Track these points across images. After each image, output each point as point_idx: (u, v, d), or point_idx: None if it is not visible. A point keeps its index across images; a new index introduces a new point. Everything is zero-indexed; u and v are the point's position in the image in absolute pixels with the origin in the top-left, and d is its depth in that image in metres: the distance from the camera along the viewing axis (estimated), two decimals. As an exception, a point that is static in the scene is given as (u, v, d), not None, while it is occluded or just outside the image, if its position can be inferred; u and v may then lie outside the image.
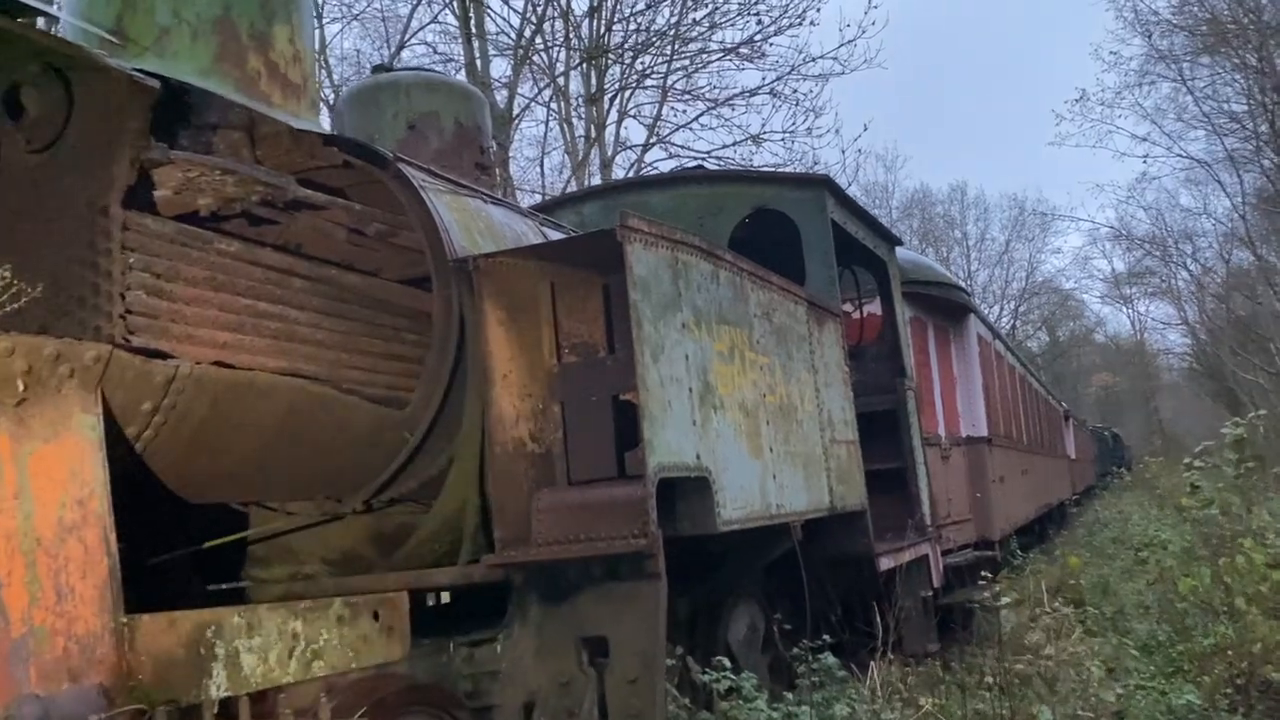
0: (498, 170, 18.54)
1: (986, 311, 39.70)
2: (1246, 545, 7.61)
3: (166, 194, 3.52)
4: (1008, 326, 49.52)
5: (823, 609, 6.32)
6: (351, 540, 4.64)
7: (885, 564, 6.48)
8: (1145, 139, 25.14)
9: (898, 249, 9.28)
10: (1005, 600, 5.27)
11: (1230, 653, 7.27)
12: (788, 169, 18.07)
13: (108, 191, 3.17)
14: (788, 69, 20.57)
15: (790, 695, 4.78)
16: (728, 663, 4.47)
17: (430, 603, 6.15)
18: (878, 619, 5.62)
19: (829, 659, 5.06)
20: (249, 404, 3.34)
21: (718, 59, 21.44)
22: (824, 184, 6.73)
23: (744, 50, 20.92)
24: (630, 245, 3.77)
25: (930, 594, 7.64)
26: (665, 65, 21.39)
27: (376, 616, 2.67)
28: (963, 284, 12.15)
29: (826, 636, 5.29)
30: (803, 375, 5.64)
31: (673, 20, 20.66)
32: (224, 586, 4.50)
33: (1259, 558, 7.42)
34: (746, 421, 4.68)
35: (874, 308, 9.04)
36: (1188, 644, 7.67)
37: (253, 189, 3.62)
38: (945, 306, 10.33)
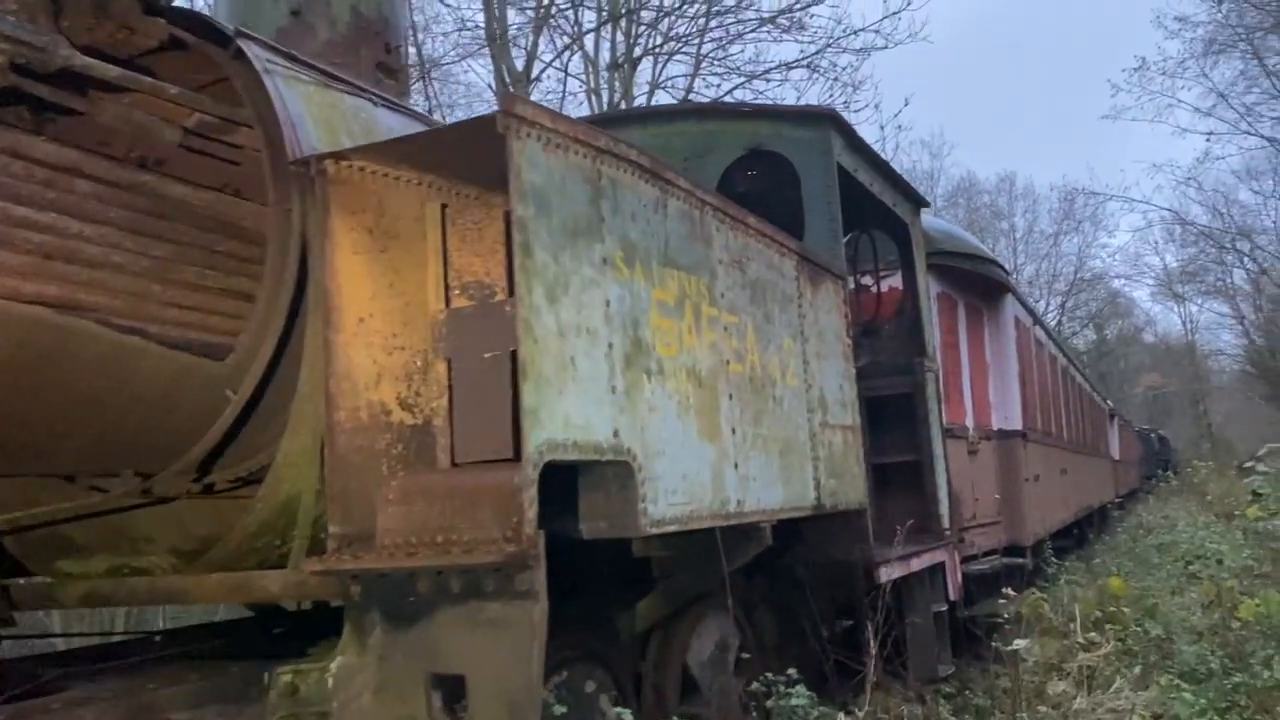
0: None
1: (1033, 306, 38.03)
2: (1324, 566, 6.47)
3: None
4: (1054, 322, 47.72)
5: (809, 626, 5.30)
6: (221, 525, 3.69)
7: (887, 574, 5.42)
8: (1209, 114, 23.45)
9: (925, 214, 8.17)
10: (1022, 643, 4.21)
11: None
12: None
13: None
14: (826, 42, 19.40)
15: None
16: (626, 717, 3.44)
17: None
18: (871, 640, 4.58)
19: (799, 697, 4.03)
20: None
21: (754, 29, 20.30)
22: (829, 120, 5.65)
23: (782, 20, 19.78)
24: (518, 141, 2.76)
25: (945, 608, 6.57)
26: (699, 35, 20.31)
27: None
28: (1000, 260, 10.98)
29: (792, 671, 4.25)
30: (786, 343, 4.59)
31: (707, -13, 19.55)
32: (21, 581, 3.57)
33: (1339, 582, 6.27)
34: (698, 393, 3.66)
35: (896, 281, 7.94)
36: (1247, 676, 6.58)
37: (-7, 48, 2.64)
38: (979, 283, 9.19)
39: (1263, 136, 22.66)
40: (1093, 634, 4.56)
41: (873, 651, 4.27)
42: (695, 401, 3.63)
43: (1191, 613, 8.42)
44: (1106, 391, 33.75)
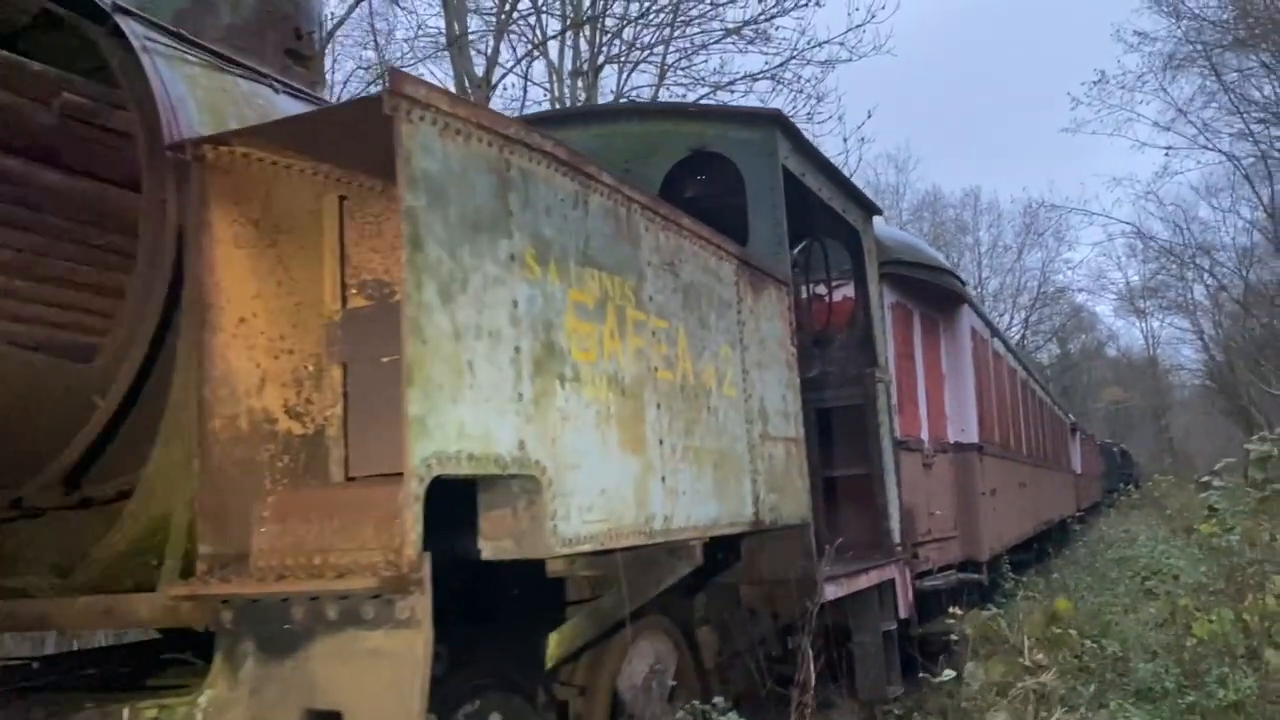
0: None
1: (996, 320, 38.28)
2: (1278, 583, 6.33)
3: None
4: (1018, 336, 48.02)
5: (744, 647, 5.08)
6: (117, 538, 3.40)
7: (832, 592, 5.21)
8: (1168, 128, 23.59)
9: (880, 222, 8.01)
10: (950, 673, 4.01)
11: (1252, 709, 6.05)
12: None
13: None
14: (791, 54, 19.34)
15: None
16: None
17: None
18: (805, 663, 4.37)
19: (727, 728, 3.80)
20: None
21: (718, 40, 20.22)
22: (774, 121, 5.46)
23: (747, 32, 19.70)
24: (409, 124, 2.52)
25: (894, 627, 6.38)
26: (664, 45, 20.20)
27: None
28: (956, 270, 10.85)
29: (719, 700, 4.02)
30: (723, 350, 4.37)
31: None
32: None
33: (1293, 600, 6.13)
34: (621, 402, 3.43)
35: (850, 290, 7.77)
36: (1201, 695, 6.44)
37: None
38: (935, 293, 9.04)
39: (1221, 151, 22.83)
40: (1039, 656, 4.38)
41: (808, 675, 4.05)
42: (617, 411, 3.40)
43: (1148, 628, 8.29)
44: (1070, 405, 33.90)
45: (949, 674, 4.02)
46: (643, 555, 3.82)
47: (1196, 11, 20.59)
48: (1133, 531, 19.55)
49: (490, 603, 3.97)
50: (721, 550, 4.95)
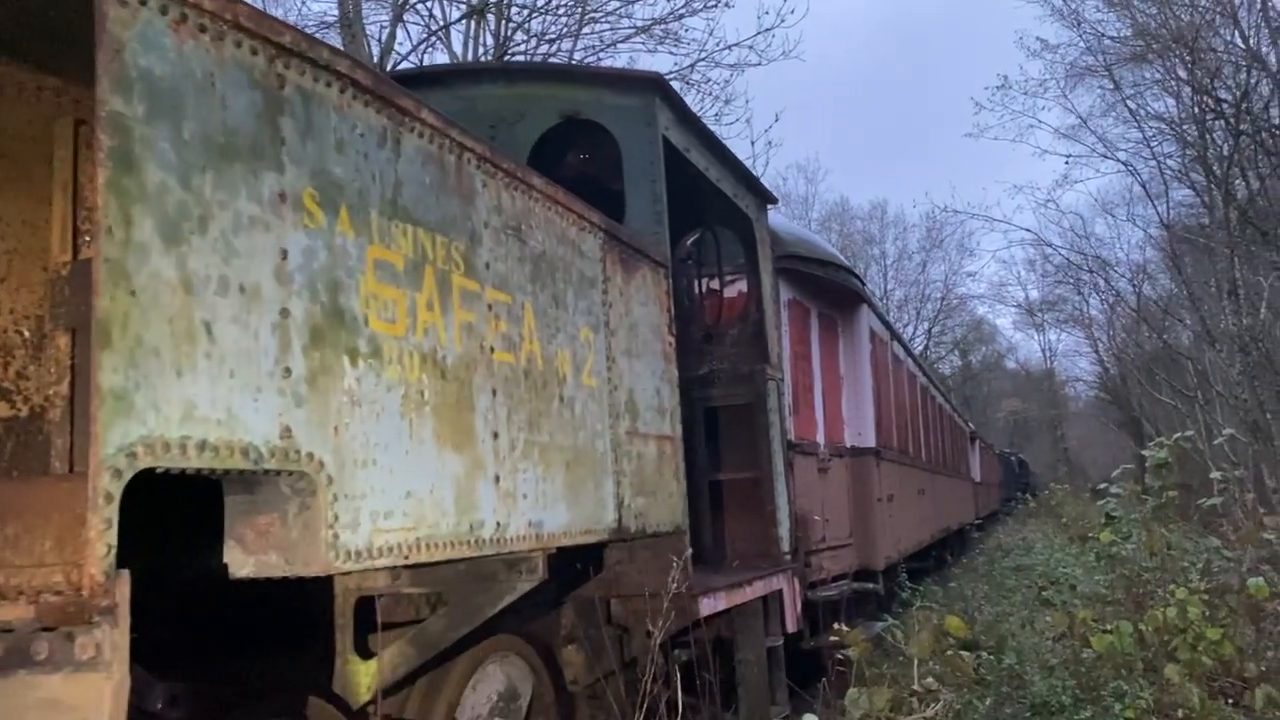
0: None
1: (900, 330, 38.56)
2: (1178, 594, 6.06)
3: None
4: (921, 347, 48.68)
5: (601, 669, 4.53)
6: None
7: (709, 605, 4.71)
8: (1068, 135, 23.89)
9: (779, 217, 7.59)
10: (812, 717, 3.54)
11: (1150, 726, 5.77)
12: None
13: None
14: (700, 55, 19.06)
15: None
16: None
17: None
18: (646, 690, 3.85)
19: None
20: None
21: (627, 38, 19.80)
22: (654, 86, 4.94)
23: (656, 31, 19.33)
24: (120, 7, 1.92)
25: (780, 643, 5.91)
26: (572, 40, 19.70)
27: None
28: (856, 269, 10.51)
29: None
30: (583, 334, 3.83)
31: (581, -6, 18.94)
32: None
33: (1194, 611, 5.86)
34: (440, 386, 2.85)
35: (744, 285, 7.32)
36: (1097, 709, 6.16)
37: None
38: (833, 292, 8.65)
39: (1119, 160, 23.15)
40: (929, 680, 3.95)
41: (657, 702, 3.52)
42: (434, 396, 2.82)
43: (1045, 639, 8.04)
44: (970, 415, 34.28)
45: (810, 718, 3.54)
46: (474, 569, 3.25)
47: (1095, 26, 20.89)
48: (1030, 539, 19.71)
49: (299, 625, 3.37)
50: (582, 561, 4.41)
